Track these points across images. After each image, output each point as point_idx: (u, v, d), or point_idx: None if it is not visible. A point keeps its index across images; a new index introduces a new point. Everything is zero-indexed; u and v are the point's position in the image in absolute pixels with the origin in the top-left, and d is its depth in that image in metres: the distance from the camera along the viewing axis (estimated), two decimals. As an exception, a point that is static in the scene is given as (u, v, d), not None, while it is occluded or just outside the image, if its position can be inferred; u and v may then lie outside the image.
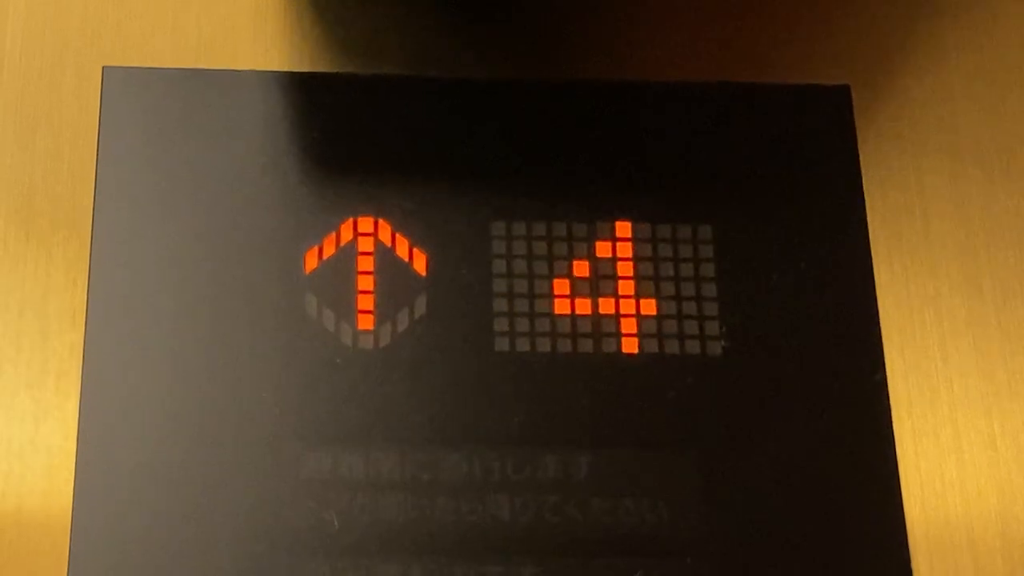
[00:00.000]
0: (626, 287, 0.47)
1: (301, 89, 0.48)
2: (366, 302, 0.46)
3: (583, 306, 0.46)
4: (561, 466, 0.45)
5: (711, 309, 0.47)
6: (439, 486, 0.44)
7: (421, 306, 0.46)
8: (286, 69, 0.48)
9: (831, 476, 0.45)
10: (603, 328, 0.46)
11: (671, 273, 0.47)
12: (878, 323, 0.47)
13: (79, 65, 0.48)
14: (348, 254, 0.46)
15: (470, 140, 0.48)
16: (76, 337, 0.45)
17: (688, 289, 0.47)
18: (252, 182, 0.47)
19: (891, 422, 0.46)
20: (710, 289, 0.47)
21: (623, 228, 0.47)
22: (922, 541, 0.45)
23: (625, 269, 0.47)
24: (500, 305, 0.46)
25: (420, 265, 0.46)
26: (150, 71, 0.48)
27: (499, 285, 0.46)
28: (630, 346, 0.46)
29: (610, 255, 0.47)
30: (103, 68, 0.48)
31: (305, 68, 0.48)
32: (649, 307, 0.46)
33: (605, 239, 0.47)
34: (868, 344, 0.46)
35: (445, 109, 0.48)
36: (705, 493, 0.45)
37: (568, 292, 0.46)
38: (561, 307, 0.46)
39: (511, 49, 0.49)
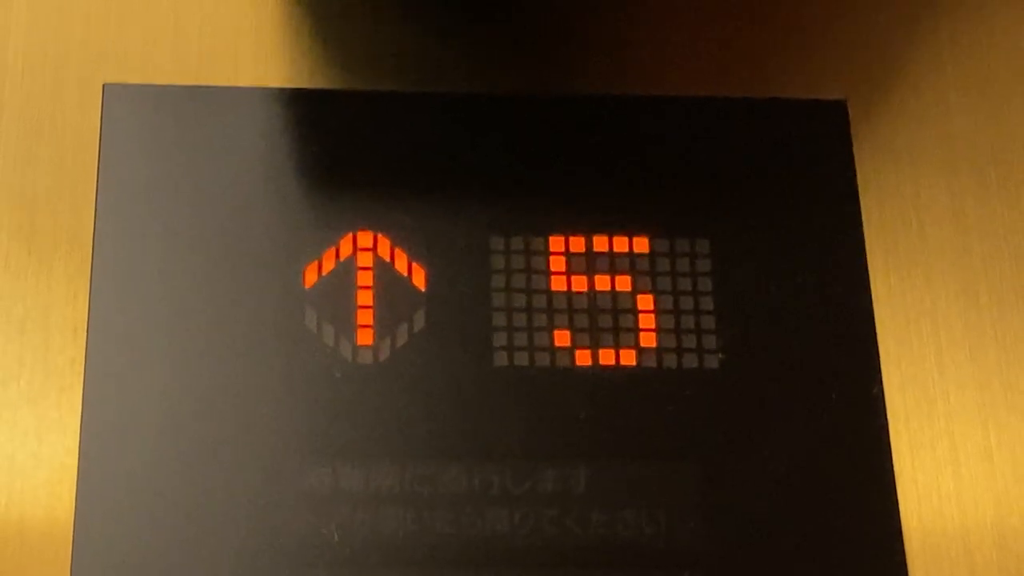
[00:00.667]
0: (624, 301, 0.47)
1: (300, 105, 0.48)
2: (365, 317, 0.46)
3: (581, 320, 0.46)
4: (560, 479, 0.45)
5: (709, 322, 0.47)
6: (439, 499, 0.44)
7: (420, 320, 0.46)
8: (286, 85, 0.49)
9: (828, 488, 0.45)
10: (601, 342, 0.46)
11: (669, 287, 0.47)
12: (875, 335, 0.47)
13: (80, 81, 0.48)
14: (347, 269, 0.47)
15: (468, 154, 0.48)
16: (77, 352, 0.45)
17: (686, 303, 0.47)
18: (252, 197, 0.47)
19: (888, 434, 0.46)
20: (707, 302, 0.47)
21: (620, 242, 0.47)
22: (919, 553, 0.45)
23: (623, 283, 0.47)
24: (499, 319, 0.46)
25: (419, 280, 0.47)
26: (150, 88, 0.48)
27: (498, 299, 0.46)
28: (628, 359, 0.46)
29: (608, 269, 0.47)
30: (104, 85, 0.48)
31: (304, 84, 0.49)
32: (647, 321, 0.47)
33: (603, 253, 0.47)
34: (865, 356, 0.47)
35: (443, 124, 0.48)
36: (703, 506, 0.45)
37: (566, 306, 0.47)
38: (559, 321, 0.46)
39: (511, 61, 0.49)
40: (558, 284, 0.47)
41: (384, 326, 0.46)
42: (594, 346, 0.46)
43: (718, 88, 0.50)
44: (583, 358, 0.46)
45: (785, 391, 0.46)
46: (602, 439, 0.45)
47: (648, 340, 0.46)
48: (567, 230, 0.47)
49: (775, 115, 0.49)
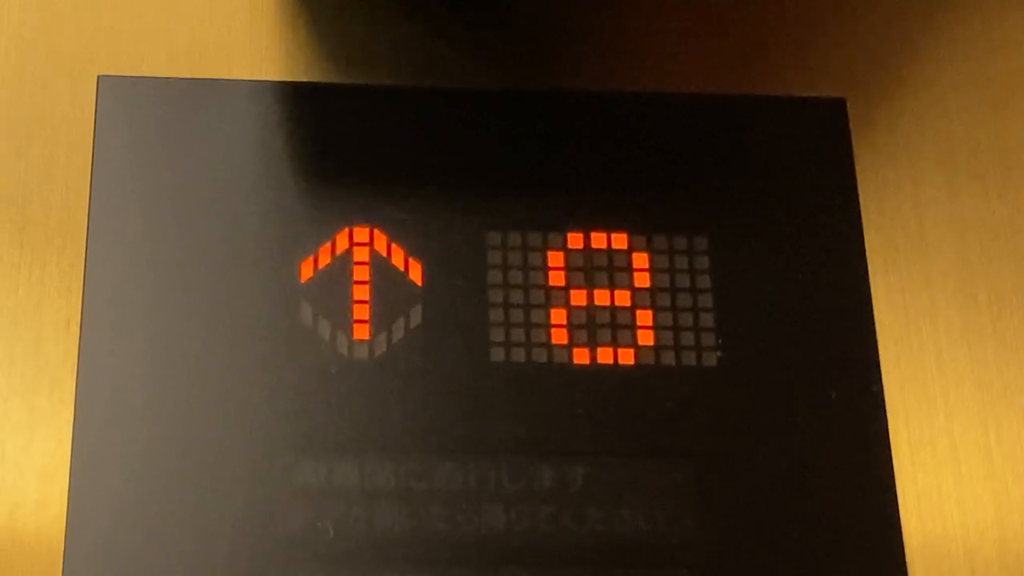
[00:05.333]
0: (622, 297, 0.46)
1: (296, 99, 0.48)
2: (361, 312, 0.46)
3: (578, 316, 0.46)
4: (557, 476, 0.44)
5: (707, 320, 0.46)
6: (434, 495, 0.44)
7: (417, 316, 0.46)
8: (281, 79, 0.48)
9: (827, 487, 0.45)
10: (599, 338, 0.46)
11: (667, 284, 0.47)
12: (874, 334, 0.47)
13: (73, 74, 0.48)
14: (343, 264, 0.46)
15: (466, 150, 0.48)
16: (70, 345, 0.45)
17: (684, 300, 0.47)
18: (247, 191, 0.47)
19: (887, 433, 0.46)
20: (706, 300, 0.47)
21: (619, 239, 0.47)
22: (919, 552, 0.45)
23: (621, 280, 0.47)
24: (496, 315, 0.46)
25: (416, 275, 0.46)
26: (145, 80, 0.48)
27: (494, 295, 0.46)
28: (626, 356, 0.46)
29: (606, 266, 0.47)
30: (98, 77, 0.48)
31: (300, 78, 0.48)
32: (645, 318, 0.46)
33: (601, 250, 0.47)
34: (864, 355, 0.46)
35: (440, 119, 0.48)
36: (701, 504, 0.44)
37: (563, 302, 0.46)
38: (556, 317, 0.46)
39: (507, 56, 0.49)
40: (555, 280, 0.46)
41: (380, 321, 0.46)
42: (592, 343, 0.46)
43: (717, 85, 0.49)
44: (580, 355, 0.46)
45: (784, 389, 0.46)
46: (599, 436, 0.45)
47: (646, 337, 0.46)
48: (564, 226, 0.47)
49: (775, 113, 0.49)
